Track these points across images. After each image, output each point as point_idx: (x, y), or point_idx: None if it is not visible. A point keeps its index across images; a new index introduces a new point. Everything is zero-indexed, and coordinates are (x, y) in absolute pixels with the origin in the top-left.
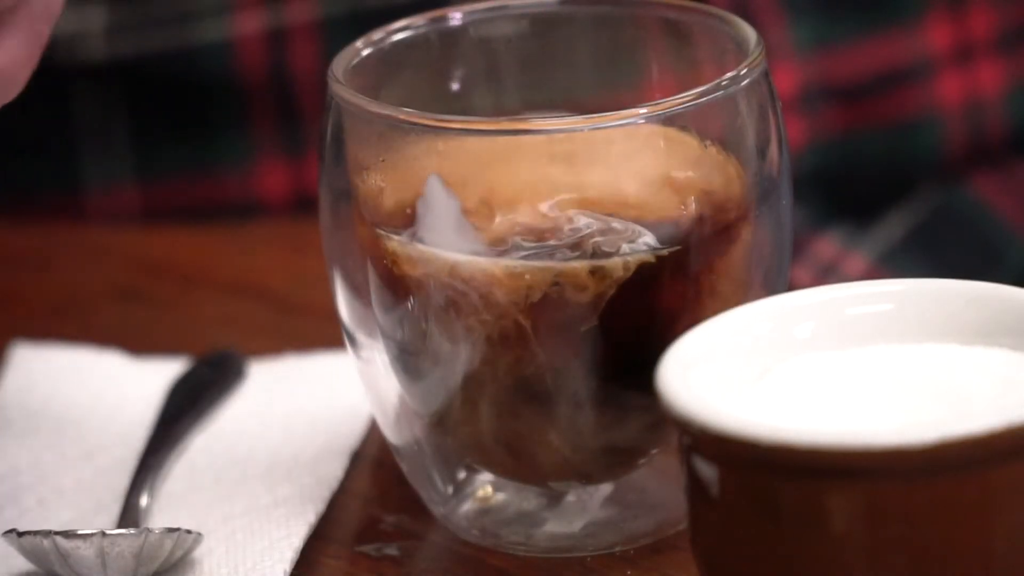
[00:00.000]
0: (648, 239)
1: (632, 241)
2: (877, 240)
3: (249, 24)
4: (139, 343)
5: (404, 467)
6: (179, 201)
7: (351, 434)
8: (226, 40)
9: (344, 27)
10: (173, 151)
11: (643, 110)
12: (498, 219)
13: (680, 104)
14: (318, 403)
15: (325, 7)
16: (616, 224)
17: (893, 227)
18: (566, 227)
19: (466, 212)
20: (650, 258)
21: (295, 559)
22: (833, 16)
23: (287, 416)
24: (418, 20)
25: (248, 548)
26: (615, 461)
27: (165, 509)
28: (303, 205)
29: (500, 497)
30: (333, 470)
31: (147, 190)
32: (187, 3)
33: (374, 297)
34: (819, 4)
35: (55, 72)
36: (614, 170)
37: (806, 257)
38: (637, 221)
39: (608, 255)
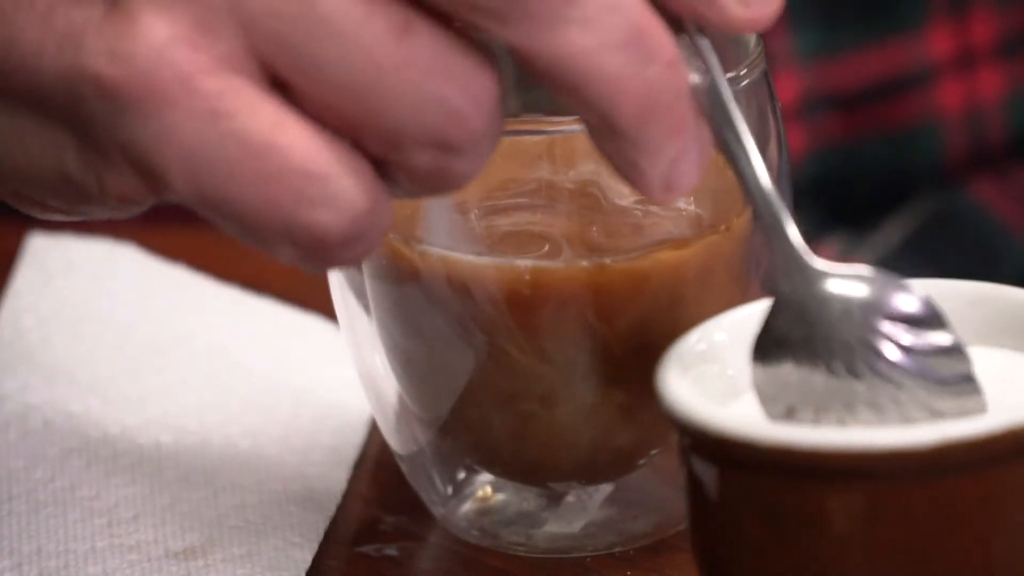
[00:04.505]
0: (648, 240)
1: (632, 242)
2: (878, 245)
3: None
4: None
5: (404, 468)
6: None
7: (352, 436)
8: None
9: None
10: None
11: None
12: (498, 219)
13: None
14: (318, 404)
15: None
16: (615, 225)
17: (893, 232)
18: (566, 227)
19: (466, 212)
20: (650, 259)
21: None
22: (834, 24)
23: (287, 417)
24: None
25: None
26: (615, 461)
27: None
28: None
29: (500, 497)
30: (333, 472)
31: None
32: None
33: (374, 297)
34: (820, 12)
35: None
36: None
37: None
38: (637, 222)
39: (608, 256)
